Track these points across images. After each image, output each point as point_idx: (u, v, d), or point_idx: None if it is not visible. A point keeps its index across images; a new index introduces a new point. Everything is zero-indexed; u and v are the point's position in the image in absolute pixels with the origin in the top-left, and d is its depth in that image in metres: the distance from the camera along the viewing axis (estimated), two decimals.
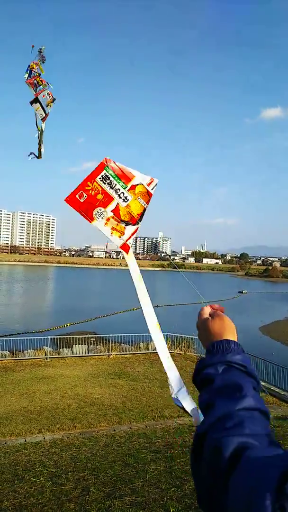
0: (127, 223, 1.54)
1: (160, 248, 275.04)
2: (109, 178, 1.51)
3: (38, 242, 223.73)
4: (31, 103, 2.28)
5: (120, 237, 1.54)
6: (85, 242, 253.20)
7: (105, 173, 1.51)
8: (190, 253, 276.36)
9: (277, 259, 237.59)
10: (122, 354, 16.55)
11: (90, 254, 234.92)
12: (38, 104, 2.30)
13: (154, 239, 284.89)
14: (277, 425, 6.54)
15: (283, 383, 12.76)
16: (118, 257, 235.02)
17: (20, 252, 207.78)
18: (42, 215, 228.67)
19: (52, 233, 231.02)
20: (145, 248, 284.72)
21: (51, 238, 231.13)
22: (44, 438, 6.98)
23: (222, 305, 1.06)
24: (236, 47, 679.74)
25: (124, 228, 1.54)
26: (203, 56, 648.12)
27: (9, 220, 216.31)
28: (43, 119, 2.32)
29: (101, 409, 9.34)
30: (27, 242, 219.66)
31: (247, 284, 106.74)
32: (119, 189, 1.52)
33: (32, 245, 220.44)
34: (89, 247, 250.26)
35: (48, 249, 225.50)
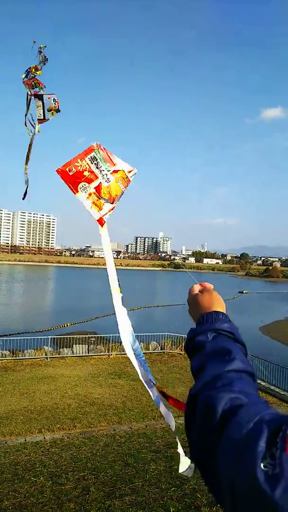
0: (106, 201, 1.73)
1: (160, 248, 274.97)
2: (96, 160, 1.72)
3: (38, 242, 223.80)
4: (35, 96, 2.24)
5: (98, 211, 1.73)
6: (85, 242, 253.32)
7: (94, 155, 1.72)
8: (190, 253, 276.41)
9: (277, 259, 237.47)
10: (123, 354, 16.53)
11: (91, 254, 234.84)
12: (40, 102, 2.26)
13: (155, 239, 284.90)
14: None
15: (283, 383, 12.76)
16: (119, 257, 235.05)
17: (20, 252, 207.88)
18: (43, 215, 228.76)
19: (52, 233, 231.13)
20: (146, 248, 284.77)
21: (52, 238, 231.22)
22: (44, 438, 6.98)
23: None
24: (236, 47, 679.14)
25: (103, 204, 1.73)
26: (203, 56, 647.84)
27: (10, 219, 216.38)
28: (40, 121, 2.28)
29: (101, 409, 9.35)
30: (28, 241, 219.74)
31: (247, 284, 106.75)
32: (103, 171, 1.73)
33: (32, 245, 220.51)
34: (89, 247, 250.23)
35: (48, 249, 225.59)
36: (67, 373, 13.56)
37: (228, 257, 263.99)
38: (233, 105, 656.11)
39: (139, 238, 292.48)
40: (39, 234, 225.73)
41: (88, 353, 16.46)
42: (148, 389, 1.66)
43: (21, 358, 15.55)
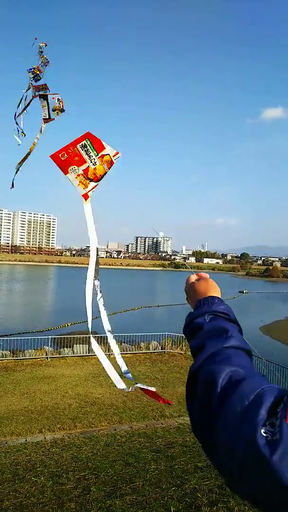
0: (91, 180, 2.03)
1: (161, 248, 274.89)
2: (86, 147, 1.98)
3: (38, 242, 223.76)
4: (40, 96, 2.28)
5: (84, 188, 2.04)
6: (86, 242, 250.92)
7: (84, 143, 1.98)
8: (191, 253, 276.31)
9: (277, 259, 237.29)
10: (123, 353, 16.51)
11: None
12: (45, 102, 2.29)
13: (155, 239, 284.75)
14: None
15: (283, 383, 12.76)
16: (119, 256, 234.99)
17: (20, 252, 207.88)
18: (43, 215, 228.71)
19: (52, 233, 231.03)
20: (146, 248, 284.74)
21: (52, 237, 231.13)
22: (45, 438, 6.99)
23: None
24: (236, 47, 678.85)
25: (89, 183, 2.03)
26: (204, 55, 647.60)
27: (10, 219, 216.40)
28: (45, 121, 2.30)
29: (102, 408, 9.35)
30: (28, 241, 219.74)
31: (247, 284, 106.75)
32: (91, 156, 2.00)
33: (32, 244, 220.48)
34: (90, 246, 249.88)
35: (48, 248, 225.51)
36: (67, 373, 13.57)
37: (229, 257, 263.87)
38: (233, 105, 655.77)
39: (139, 238, 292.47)
40: (39, 234, 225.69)
41: (89, 353, 16.45)
42: (118, 360, 2.11)
43: (22, 358, 15.55)
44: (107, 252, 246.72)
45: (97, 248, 2.18)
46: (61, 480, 4.44)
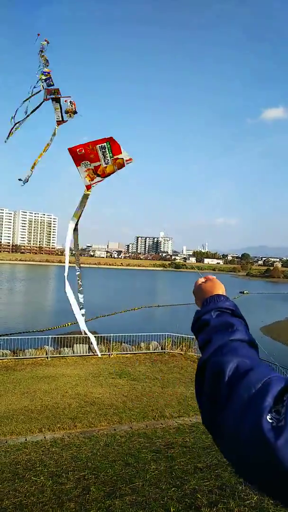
0: (98, 175, 2.22)
1: (161, 248, 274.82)
2: (105, 149, 2.16)
3: (39, 241, 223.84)
4: (53, 100, 2.32)
5: (89, 181, 2.24)
6: (86, 241, 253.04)
7: (104, 145, 2.16)
8: (191, 253, 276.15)
9: (278, 260, 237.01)
10: (123, 353, 16.55)
11: (91, 253, 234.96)
12: (58, 105, 2.33)
13: (156, 239, 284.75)
14: None
15: None
16: (119, 256, 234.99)
17: (21, 251, 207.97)
18: (44, 215, 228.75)
19: (53, 232, 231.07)
20: (147, 248, 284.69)
21: (53, 237, 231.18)
22: (45, 437, 6.99)
23: None
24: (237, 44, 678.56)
25: (95, 177, 2.23)
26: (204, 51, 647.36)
27: (11, 219, 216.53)
28: (59, 123, 2.34)
29: (102, 408, 9.35)
30: (29, 241, 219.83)
31: (248, 284, 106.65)
32: (106, 157, 2.17)
33: (33, 244, 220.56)
34: (90, 246, 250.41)
35: (49, 248, 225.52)
36: (67, 372, 13.58)
37: (229, 257, 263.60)
38: (234, 104, 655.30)
39: (140, 238, 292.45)
40: (40, 233, 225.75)
41: (89, 352, 16.46)
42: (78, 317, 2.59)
43: (22, 357, 15.56)
44: (107, 252, 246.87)
45: (70, 248, 2.47)
46: (60, 480, 4.44)
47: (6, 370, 13.90)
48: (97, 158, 2.18)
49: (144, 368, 14.29)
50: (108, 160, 2.18)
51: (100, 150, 2.16)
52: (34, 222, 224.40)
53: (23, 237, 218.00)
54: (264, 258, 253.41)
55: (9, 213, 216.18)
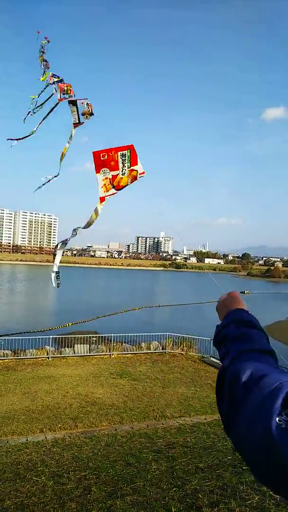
0: (113, 187, 2.25)
1: (162, 248, 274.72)
2: (125, 157, 2.23)
3: (40, 242, 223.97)
4: (69, 102, 2.35)
5: (104, 192, 2.25)
6: (87, 242, 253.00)
7: (125, 153, 2.22)
8: (192, 253, 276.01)
9: (279, 259, 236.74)
10: (124, 353, 16.56)
11: (92, 253, 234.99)
12: (75, 107, 2.34)
13: (156, 239, 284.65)
14: None
15: None
16: (120, 256, 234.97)
17: (22, 252, 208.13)
18: (44, 215, 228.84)
19: (54, 232, 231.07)
20: (147, 248, 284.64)
21: (53, 237, 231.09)
22: (46, 437, 6.99)
23: None
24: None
25: (111, 188, 2.25)
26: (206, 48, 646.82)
27: (11, 219, 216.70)
28: (75, 125, 2.36)
29: (103, 408, 9.35)
30: (29, 241, 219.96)
31: (249, 284, 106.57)
32: (125, 167, 2.23)
33: (34, 244, 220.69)
34: (91, 246, 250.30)
35: (50, 248, 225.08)
36: (68, 372, 13.58)
37: (230, 257, 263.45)
38: (235, 104, 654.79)
39: (140, 238, 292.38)
40: (40, 234, 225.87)
41: (90, 352, 16.47)
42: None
43: (23, 357, 15.57)
44: (108, 252, 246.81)
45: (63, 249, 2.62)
46: (62, 480, 4.44)
47: (7, 370, 13.90)
48: (116, 166, 2.22)
49: (145, 368, 14.29)
50: (125, 170, 2.23)
51: (121, 157, 2.22)
52: (35, 222, 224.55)
53: (23, 238, 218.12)
54: (265, 258, 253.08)
55: (10, 213, 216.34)
